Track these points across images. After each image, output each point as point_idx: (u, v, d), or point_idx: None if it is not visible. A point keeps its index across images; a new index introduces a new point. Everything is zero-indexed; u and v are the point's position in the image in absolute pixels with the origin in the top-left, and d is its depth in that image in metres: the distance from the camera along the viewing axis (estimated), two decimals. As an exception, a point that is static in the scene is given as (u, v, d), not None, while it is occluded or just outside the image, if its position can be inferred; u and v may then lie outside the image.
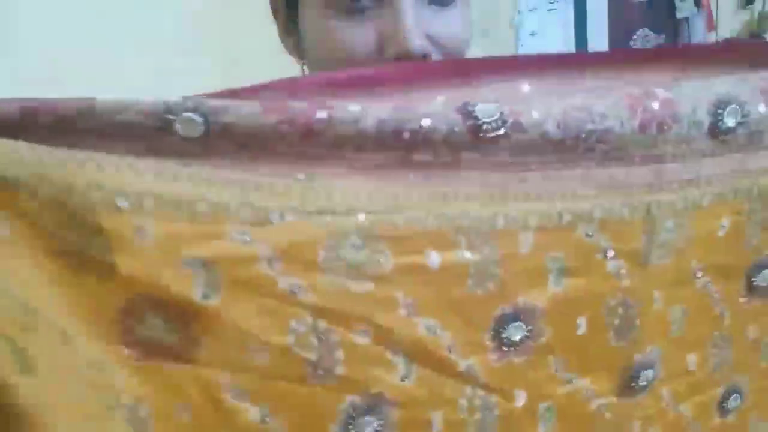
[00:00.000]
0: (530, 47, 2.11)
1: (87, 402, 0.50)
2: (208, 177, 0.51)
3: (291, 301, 0.53)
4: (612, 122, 0.59)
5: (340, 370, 0.55)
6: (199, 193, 0.51)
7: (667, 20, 2.24)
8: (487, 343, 0.59)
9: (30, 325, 0.48)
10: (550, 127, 0.57)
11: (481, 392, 0.60)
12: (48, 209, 0.48)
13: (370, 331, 0.55)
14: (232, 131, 0.51)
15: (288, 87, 0.56)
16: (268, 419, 0.54)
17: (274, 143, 0.52)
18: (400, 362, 0.57)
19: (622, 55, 0.68)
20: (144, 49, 1.53)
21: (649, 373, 0.66)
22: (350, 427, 0.56)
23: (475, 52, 0.75)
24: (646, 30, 2.23)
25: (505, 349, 0.60)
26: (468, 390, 0.59)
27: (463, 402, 0.59)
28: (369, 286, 0.55)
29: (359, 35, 0.72)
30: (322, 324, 0.54)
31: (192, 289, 0.50)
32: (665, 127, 0.60)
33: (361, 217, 0.54)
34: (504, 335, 0.60)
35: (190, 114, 0.49)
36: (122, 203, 0.49)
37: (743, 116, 0.63)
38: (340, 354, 0.55)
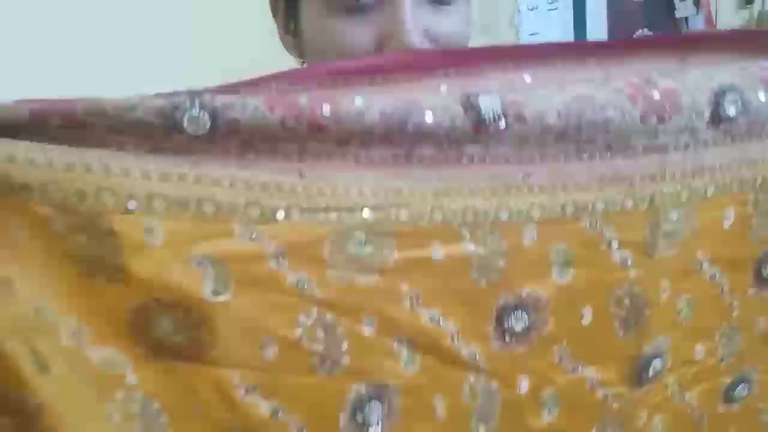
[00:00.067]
0: (530, 47, 2.12)
1: (99, 398, 0.51)
2: (215, 176, 0.52)
3: (299, 295, 0.54)
4: (613, 112, 0.59)
5: (346, 360, 0.56)
6: (206, 193, 0.52)
7: (666, 20, 2.25)
8: (490, 332, 0.60)
9: (42, 327, 0.49)
10: (551, 119, 0.58)
11: (483, 379, 0.61)
12: (59, 213, 0.48)
13: (375, 322, 0.56)
14: (237, 127, 0.51)
15: (291, 78, 0.56)
16: (279, 413, 0.55)
17: (280, 138, 0.53)
18: (403, 351, 0.58)
19: (623, 44, 0.68)
20: (144, 48, 1.54)
21: (658, 363, 0.67)
22: (358, 414, 0.57)
23: (474, 51, 0.75)
24: (646, 30, 2.24)
25: (508, 338, 0.61)
26: (471, 377, 0.60)
27: (466, 388, 0.60)
28: (374, 280, 0.56)
29: (359, 34, 0.72)
30: (329, 317, 0.55)
31: (202, 286, 0.51)
32: (666, 117, 0.61)
33: (366, 212, 0.55)
34: (506, 325, 0.61)
35: (196, 110, 0.50)
36: (132, 205, 0.50)
37: (743, 105, 0.64)
38: (345, 345, 0.56)
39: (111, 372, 0.51)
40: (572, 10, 2.08)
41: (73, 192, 0.48)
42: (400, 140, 0.55)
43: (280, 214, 0.53)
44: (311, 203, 0.54)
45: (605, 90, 0.60)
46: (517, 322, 0.61)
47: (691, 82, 0.63)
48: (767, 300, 0.71)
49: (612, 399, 0.66)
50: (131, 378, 0.52)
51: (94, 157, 0.49)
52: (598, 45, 0.65)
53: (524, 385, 0.62)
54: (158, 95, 0.51)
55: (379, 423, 0.57)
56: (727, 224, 0.66)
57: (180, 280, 0.51)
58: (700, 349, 0.69)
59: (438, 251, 0.57)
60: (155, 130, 0.50)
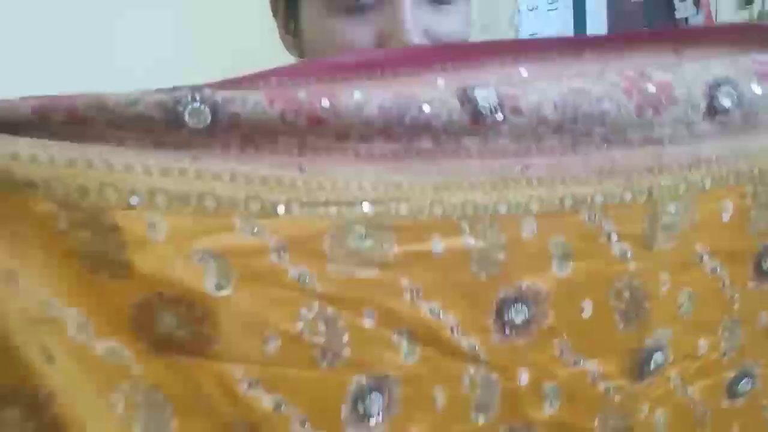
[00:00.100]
0: (530, 47, 2.12)
1: (104, 388, 0.52)
2: (215, 171, 0.53)
3: (300, 289, 0.55)
4: (608, 105, 0.60)
5: (347, 352, 0.56)
6: (207, 188, 0.52)
7: (666, 20, 2.25)
8: (490, 324, 0.61)
9: (47, 320, 0.50)
10: (548, 111, 0.59)
11: (483, 370, 0.61)
12: (62, 210, 0.49)
13: (376, 315, 0.57)
14: (238, 121, 0.52)
15: (290, 72, 0.57)
16: (282, 406, 0.55)
17: (280, 132, 0.54)
18: (404, 343, 0.58)
19: (619, 38, 0.69)
20: (143, 47, 1.54)
21: (659, 356, 0.67)
22: (359, 405, 0.57)
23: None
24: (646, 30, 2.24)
25: (508, 330, 0.61)
26: (470, 368, 0.61)
27: (466, 379, 0.61)
28: (374, 273, 0.56)
29: (359, 33, 0.73)
30: (330, 310, 0.55)
31: (204, 280, 0.52)
32: (661, 110, 0.61)
33: (366, 207, 0.56)
34: (506, 318, 0.61)
35: (197, 104, 0.51)
36: (134, 200, 0.50)
37: (738, 97, 0.64)
38: (346, 338, 0.56)
39: (116, 363, 0.52)
40: (572, 10, 2.08)
41: (76, 188, 0.49)
42: (398, 134, 0.56)
43: (281, 209, 0.54)
44: (311, 197, 0.54)
45: (601, 83, 0.61)
46: (517, 315, 0.61)
47: (686, 75, 0.64)
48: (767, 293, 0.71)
49: (614, 392, 0.66)
50: (135, 367, 0.52)
51: (96, 152, 0.50)
52: (594, 39, 0.66)
53: (524, 377, 0.63)
54: (159, 90, 0.51)
55: (380, 413, 0.58)
56: (725, 217, 0.67)
57: (182, 274, 0.51)
58: (703, 344, 0.69)
59: (438, 245, 0.58)
60: (156, 124, 0.51)
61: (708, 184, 0.65)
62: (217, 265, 0.52)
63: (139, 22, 1.60)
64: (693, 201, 0.65)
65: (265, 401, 0.55)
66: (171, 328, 0.52)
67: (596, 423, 0.66)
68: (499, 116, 0.57)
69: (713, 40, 0.68)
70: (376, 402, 0.58)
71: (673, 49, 0.67)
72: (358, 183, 0.56)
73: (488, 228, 0.59)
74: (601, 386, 0.65)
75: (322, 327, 0.55)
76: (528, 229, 0.60)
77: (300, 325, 0.55)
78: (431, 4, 0.74)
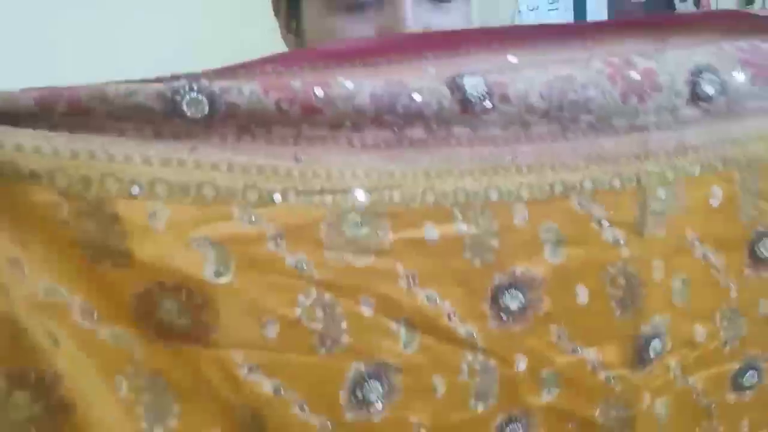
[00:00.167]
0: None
1: (109, 370, 0.53)
2: (213, 161, 0.54)
3: (298, 276, 0.56)
4: (594, 92, 0.61)
5: (345, 339, 0.57)
6: (206, 178, 0.54)
7: (667, 20, 2.26)
8: (486, 311, 0.61)
9: (52, 305, 0.51)
10: (534, 98, 0.60)
11: (480, 357, 0.62)
12: (65, 200, 0.51)
13: (373, 302, 0.58)
14: (234, 111, 0.53)
15: (285, 60, 0.58)
16: (281, 390, 0.56)
17: (275, 122, 0.55)
18: (402, 331, 0.59)
19: (605, 25, 0.70)
20: (144, 46, 1.56)
21: (657, 343, 0.67)
22: (357, 392, 0.58)
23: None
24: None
25: (504, 316, 0.62)
26: (468, 355, 0.61)
27: (464, 367, 0.61)
28: (370, 260, 0.57)
29: (359, 31, 0.73)
30: (328, 297, 0.57)
31: (204, 268, 0.53)
32: (646, 96, 0.63)
33: (360, 195, 0.57)
34: (502, 304, 0.62)
35: (195, 94, 0.52)
36: (135, 190, 0.52)
37: (721, 84, 0.65)
38: (345, 324, 0.57)
39: (119, 347, 0.53)
40: (572, 11, 2.09)
41: (79, 178, 0.51)
42: (390, 122, 0.57)
43: (277, 197, 0.55)
44: (306, 186, 0.56)
45: (586, 70, 0.62)
46: (513, 301, 0.62)
47: (669, 62, 0.64)
48: (767, 281, 0.71)
49: (614, 381, 0.66)
50: (138, 355, 0.54)
51: (97, 143, 0.51)
52: (581, 27, 0.66)
53: (522, 364, 0.63)
54: (157, 79, 0.53)
55: (379, 400, 0.59)
56: (714, 203, 0.67)
57: (182, 262, 0.53)
58: (700, 331, 0.69)
59: (431, 231, 0.59)
60: (155, 114, 0.52)
61: (696, 170, 0.66)
62: (216, 253, 0.53)
63: (140, 22, 1.61)
64: (682, 187, 0.66)
65: (266, 386, 0.56)
66: (172, 315, 0.54)
67: (597, 412, 0.66)
68: (488, 104, 0.58)
69: (699, 27, 0.69)
70: (374, 389, 0.58)
71: (659, 36, 0.67)
72: (352, 171, 0.57)
73: (480, 215, 0.60)
74: (602, 375, 0.66)
75: (320, 313, 0.56)
76: (519, 215, 0.61)
77: (298, 311, 0.56)
78: (431, 2, 0.75)
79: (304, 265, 0.56)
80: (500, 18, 1.95)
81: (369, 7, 0.74)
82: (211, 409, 0.56)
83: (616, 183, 0.63)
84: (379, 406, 0.59)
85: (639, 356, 0.66)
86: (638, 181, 0.64)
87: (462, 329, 0.61)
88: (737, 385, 0.72)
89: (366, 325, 0.58)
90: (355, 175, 0.57)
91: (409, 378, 0.60)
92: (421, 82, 0.58)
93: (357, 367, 0.58)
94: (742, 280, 0.70)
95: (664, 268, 0.66)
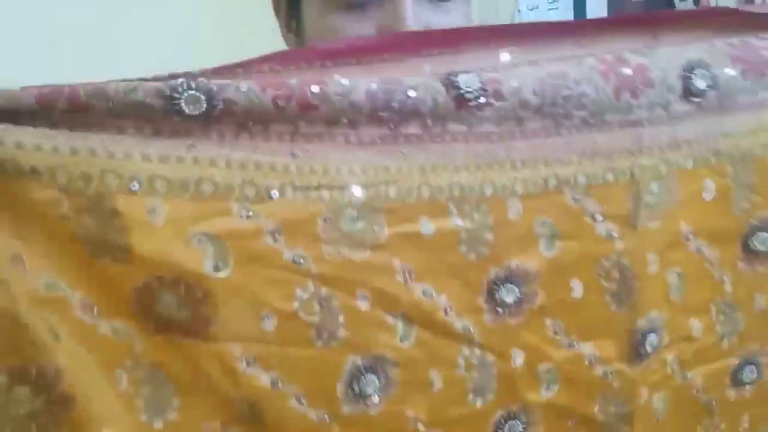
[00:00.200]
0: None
1: (109, 363, 0.54)
2: (212, 158, 0.55)
3: (295, 270, 0.57)
4: (587, 88, 0.62)
5: (342, 333, 0.58)
6: (205, 174, 0.54)
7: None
8: (482, 305, 0.62)
9: (53, 300, 0.52)
10: (528, 94, 0.61)
11: (477, 351, 0.62)
12: (66, 196, 0.51)
13: (370, 296, 0.59)
14: (232, 108, 0.54)
15: (282, 59, 0.59)
16: (279, 383, 0.57)
17: (272, 120, 0.56)
18: (399, 325, 0.60)
19: (598, 23, 0.70)
20: (144, 46, 1.56)
21: (654, 338, 0.68)
22: (354, 385, 0.59)
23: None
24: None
25: (500, 310, 0.63)
26: (465, 349, 0.62)
27: (461, 361, 0.62)
28: (367, 255, 0.58)
29: (359, 30, 0.74)
30: (325, 291, 0.57)
31: (202, 262, 0.54)
32: (638, 92, 0.63)
33: (356, 190, 0.58)
34: (497, 297, 0.62)
35: (193, 91, 0.53)
36: (135, 186, 0.52)
37: (713, 79, 0.66)
38: (341, 318, 0.58)
39: (119, 341, 0.54)
40: (572, 11, 2.09)
41: (79, 175, 0.51)
42: (386, 119, 0.58)
43: (275, 193, 0.56)
44: (304, 182, 0.56)
45: (579, 67, 0.63)
46: (508, 294, 0.62)
47: (661, 58, 0.65)
48: (761, 275, 0.71)
49: (612, 376, 0.66)
50: (138, 348, 0.55)
51: (97, 141, 0.52)
52: (574, 25, 0.67)
53: (519, 359, 0.64)
54: (156, 77, 0.54)
55: (376, 394, 0.59)
56: (708, 196, 0.68)
57: (181, 257, 0.54)
58: (696, 325, 0.70)
59: (427, 226, 0.60)
60: (154, 112, 0.53)
61: (690, 164, 0.67)
62: (214, 248, 0.54)
63: (140, 22, 1.62)
64: (675, 181, 0.66)
65: (263, 379, 0.57)
66: (171, 309, 0.54)
67: (596, 408, 0.67)
68: (482, 100, 0.59)
69: (690, 25, 0.70)
70: (371, 383, 0.59)
71: (651, 34, 0.68)
72: (349, 167, 0.58)
73: (475, 209, 0.60)
74: (599, 370, 0.66)
75: (317, 307, 0.57)
76: (514, 209, 0.62)
77: (295, 304, 0.57)
78: (431, 2, 0.75)
79: (301, 259, 0.57)
80: (500, 17, 1.95)
81: (369, 6, 0.74)
82: (210, 401, 0.56)
83: (610, 177, 0.64)
84: (375, 399, 0.59)
85: (635, 351, 0.67)
86: (632, 175, 0.64)
87: (458, 323, 0.61)
88: (737, 381, 0.73)
89: (363, 319, 0.59)
90: (352, 171, 0.58)
91: (406, 372, 0.60)
92: (416, 79, 0.59)
93: (354, 360, 0.59)
94: (737, 273, 0.70)
95: (658, 262, 0.67)
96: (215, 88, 0.54)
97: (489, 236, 0.61)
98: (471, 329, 0.62)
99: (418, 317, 0.60)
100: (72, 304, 0.53)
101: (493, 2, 1.94)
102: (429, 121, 0.59)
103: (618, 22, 0.70)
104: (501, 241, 0.62)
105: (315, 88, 0.55)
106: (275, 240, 0.56)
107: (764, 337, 0.73)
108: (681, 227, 0.67)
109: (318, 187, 0.57)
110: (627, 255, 0.65)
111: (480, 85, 0.59)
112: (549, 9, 2.08)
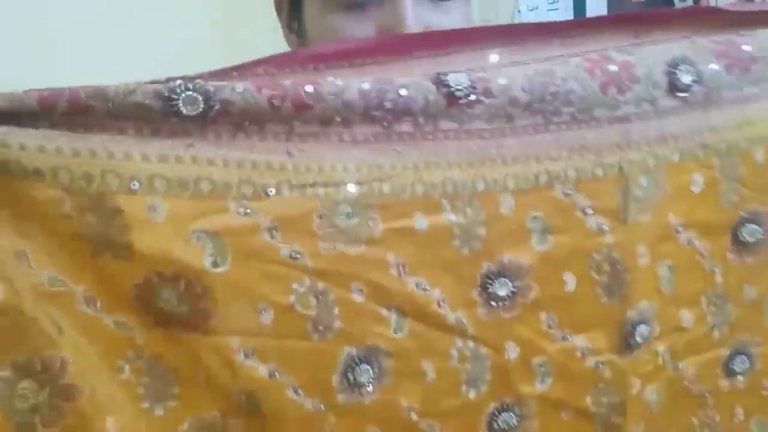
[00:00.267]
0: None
1: (110, 357, 0.56)
2: (209, 157, 0.56)
3: (292, 265, 0.58)
4: (574, 84, 0.63)
5: (337, 325, 0.59)
6: (203, 173, 0.56)
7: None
8: (476, 298, 0.63)
9: (56, 294, 0.54)
10: (517, 91, 0.62)
11: (471, 343, 0.63)
12: (68, 195, 0.53)
13: (364, 290, 0.60)
14: (229, 109, 0.56)
15: (276, 62, 0.61)
16: (276, 374, 0.59)
17: (268, 119, 0.57)
18: (392, 317, 0.61)
19: (583, 24, 0.71)
20: (144, 46, 1.57)
21: (644, 329, 0.68)
22: (349, 375, 0.60)
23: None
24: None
25: (493, 303, 0.64)
26: (458, 341, 0.63)
27: (454, 353, 0.63)
28: (361, 249, 0.60)
29: (359, 30, 0.75)
30: (321, 285, 0.59)
31: (201, 259, 0.56)
32: (624, 88, 0.65)
33: (351, 187, 0.59)
34: (490, 291, 0.64)
35: (191, 92, 0.55)
36: (135, 186, 0.54)
37: (698, 74, 0.67)
38: (337, 311, 0.59)
39: (121, 334, 0.56)
40: (572, 11, 2.09)
41: (80, 175, 0.53)
42: (379, 117, 0.60)
43: (271, 191, 0.57)
44: (299, 179, 0.58)
45: (566, 65, 0.64)
46: (501, 288, 0.63)
47: (646, 55, 0.67)
48: (752, 266, 0.72)
49: (603, 367, 0.67)
50: (139, 336, 0.57)
51: (97, 142, 0.54)
52: (561, 25, 0.68)
53: (513, 352, 0.65)
54: (154, 81, 0.55)
55: (370, 383, 0.61)
56: (696, 189, 0.69)
57: (181, 253, 0.55)
58: (687, 316, 0.71)
59: (421, 221, 0.61)
60: (153, 113, 0.55)
61: (677, 157, 0.68)
62: (213, 244, 0.56)
63: (140, 22, 1.63)
64: (663, 174, 0.67)
65: (261, 370, 0.58)
66: (171, 304, 0.56)
67: (589, 400, 0.68)
68: (472, 97, 0.61)
69: (675, 23, 0.71)
70: (365, 372, 0.60)
71: (636, 33, 0.69)
72: (343, 165, 0.59)
73: (468, 205, 0.62)
74: (591, 361, 0.67)
75: (313, 301, 0.59)
76: (506, 205, 0.63)
77: (292, 298, 0.58)
78: (432, 1, 0.76)
79: (297, 254, 0.58)
80: (500, 17, 1.95)
81: (369, 6, 0.75)
82: (209, 392, 0.58)
83: (599, 172, 0.65)
84: (370, 388, 0.61)
85: (626, 342, 0.68)
86: (620, 169, 0.65)
87: (451, 316, 0.63)
88: (729, 371, 0.73)
89: (357, 311, 0.60)
90: (346, 169, 0.59)
91: (399, 362, 0.61)
92: (408, 79, 0.60)
93: (349, 351, 0.60)
94: (727, 265, 0.71)
95: (649, 254, 0.68)
96: (212, 89, 0.55)
97: (482, 231, 0.62)
98: (464, 322, 0.63)
99: (411, 310, 0.61)
100: (75, 297, 0.55)
101: (493, 2, 1.94)
102: (421, 119, 0.61)
103: (602, 22, 0.71)
104: (493, 236, 0.63)
105: (309, 88, 0.57)
106: (272, 236, 0.57)
107: (754, 327, 0.73)
108: (670, 220, 0.68)
109: (313, 185, 0.58)
110: (618, 248, 0.66)
111: (469, 83, 0.61)
112: (549, 9, 2.08)
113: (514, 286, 0.64)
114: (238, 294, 0.57)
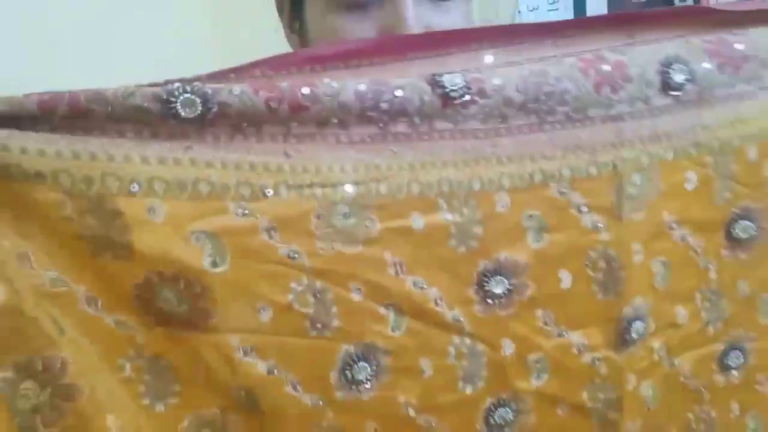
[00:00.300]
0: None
1: (111, 356, 0.57)
2: (208, 159, 0.57)
3: (290, 265, 0.59)
4: (568, 84, 0.64)
5: (335, 323, 0.60)
6: (201, 175, 0.57)
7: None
8: (472, 296, 0.64)
9: (57, 294, 0.55)
10: (511, 91, 0.63)
11: (467, 340, 0.64)
12: (69, 198, 0.54)
13: (362, 288, 0.61)
14: (226, 111, 0.57)
15: (272, 64, 0.61)
16: (275, 371, 0.59)
17: (265, 121, 0.58)
18: (390, 315, 0.62)
19: (577, 24, 0.72)
20: (144, 46, 1.57)
21: (639, 325, 0.69)
22: (347, 372, 0.61)
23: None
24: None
25: (490, 301, 0.64)
26: (455, 339, 0.64)
27: (451, 350, 0.64)
28: (359, 249, 0.60)
29: (360, 30, 0.76)
30: (319, 284, 0.60)
31: (201, 259, 0.56)
32: (617, 87, 0.65)
33: (348, 187, 0.60)
34: (487, 289, 0.64)
35: (189, 95, 0.56)
36: (134, 188, 0.55)
37: (690, 73, 0.68)
38: (335, 309, 0.60)
39: (121, 333, 0.57)
40: (573, 11, 2.09)
41: (81, 178, 0.54)
42: (375, 118, 0.60)
43: (269, 192, 0.58)
44: (297, 180, 0.59)
45: (559, 65, 0.65)
46: (497, 286, 0.64)
47: (638, 55, 0.67)
48: (745, 262, 0.73)
49: (599, 363, 0.68)
50: (140, 335, 0.57)
51: (97, 144, 0.55)
52: (554, 25, 0.69)
53: (509, 348, 0.65)
54: (152, 84, 0.56)
55: (368, 381, 0.61)
56: (689, 187, 0.69)
57: (180, 254, 0.56)
58: (682, 312, 0.71)
59: (417, 221, 0.62)
60: (152, 116, 0.55)
61: (670, 155, 0.68)
62: (212, 245, 0.57)
63: (140, 22, 1.63)
64: (656, 172, 0.68)
65: (260, 367, 0.59)
66: (171, 304, 0.57)
67: (585, 396, 0.68)
68: (467, 97, 0.62)
69: (667, 23, 0.71)
70: (363, 369, 0.61)
71: (629, 33, 0.70)
72: (340, 166, 0.60)
73: (464, 204, 0.62)
74: (587, 357, 0.67)
75: (311, 299, 0.59)
76: (502, 203, 0.63)
77: (290, 297, 0.59)
78: (432, 1, 0.76)
79: (295, 254, 0.59)
80: (500, 18, 1.94)
81: (370, 6, 0.75)
82: (209, 389, 0.59)
83: (593, 170, 0.66)
84: (367, 385, 0.61)
85: (621, 338, 0.68)
86: (614, 167, 0.66)
87: (449, 314, 0.63)
88: (724, 366, 0.74)
89: (355, 310, 0.61)
90: (343, 170, 0.60)
91: (397, 359, 0.62)
92: (403, 80, 0.61)
93: (347, 349, 0.61)
94: (720, 261, 0.72)
95: (643, 251, 0.68)
96: (210, 92, 0.56)
97: (478, 230, 0.63)
98: (461, 319, 0.64)
99: (409, 308, 0.62)
100: (77, 297, 0.56)
101: (493, 2, 1.94)
102: (416, 120, 0.61)
103: (596, 22, 0.71)
104: (490, 235, 0.63)
105: (306, 90, 0.58)
106: (270, 236, 0.58)
107: (748, 322, 0.74)
108: (664, 217, 0.69)
109: (311, 185, 0.59)
110: (612, 245, 0.67)
111: (464, 83, 0.61)
112: (549, 10, 2.08)
113: (510, 284, 0.65)
114: (237, 293, 0.58)
